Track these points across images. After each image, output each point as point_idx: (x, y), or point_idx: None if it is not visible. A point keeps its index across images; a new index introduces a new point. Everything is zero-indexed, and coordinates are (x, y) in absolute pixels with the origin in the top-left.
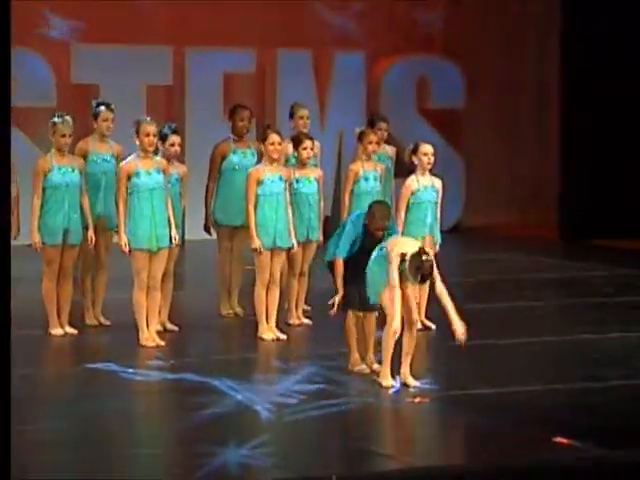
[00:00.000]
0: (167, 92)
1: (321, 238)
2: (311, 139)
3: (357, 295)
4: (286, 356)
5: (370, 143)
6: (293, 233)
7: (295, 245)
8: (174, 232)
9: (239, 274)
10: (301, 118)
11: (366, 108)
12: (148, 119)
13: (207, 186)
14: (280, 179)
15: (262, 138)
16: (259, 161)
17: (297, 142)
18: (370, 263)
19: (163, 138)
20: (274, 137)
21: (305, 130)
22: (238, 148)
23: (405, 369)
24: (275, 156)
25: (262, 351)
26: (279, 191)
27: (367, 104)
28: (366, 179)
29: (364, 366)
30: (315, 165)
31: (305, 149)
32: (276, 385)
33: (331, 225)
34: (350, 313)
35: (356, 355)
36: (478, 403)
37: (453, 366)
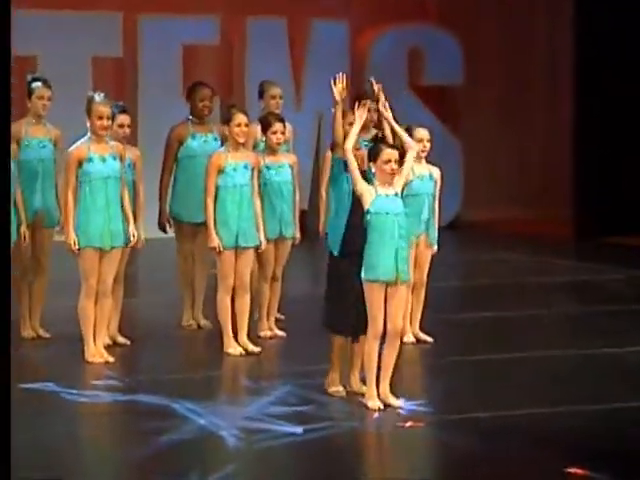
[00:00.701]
0: (116, 65)
1: (297, 235)
2: (282, 121)
3: (348, 317)
4: (256, 374)
5: (421, 142)
6: (262, 229)
7: (263, 243)
8: (132, 228)
9: (203, 279)
10: (273, 97)
11: (350, 82)
12: (102, 96)
13: (162, 176)
14: (245, 167)
15: (226, 119)
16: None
17: (266, 125)
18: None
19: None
20: (239, 117)
21: (277, 111)
22: (198, 132)
23: (385, 387)
24: (241, 140)
25: (228, 368)
26: (243, 182)
27: (351, 81)
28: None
29: (341, 388)
30: (287, 151)
31: (275, 133)
32: (245, 407)
33: (309, 221)
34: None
35: (336, 375)
36: (478, 428)
37: (450, 385)
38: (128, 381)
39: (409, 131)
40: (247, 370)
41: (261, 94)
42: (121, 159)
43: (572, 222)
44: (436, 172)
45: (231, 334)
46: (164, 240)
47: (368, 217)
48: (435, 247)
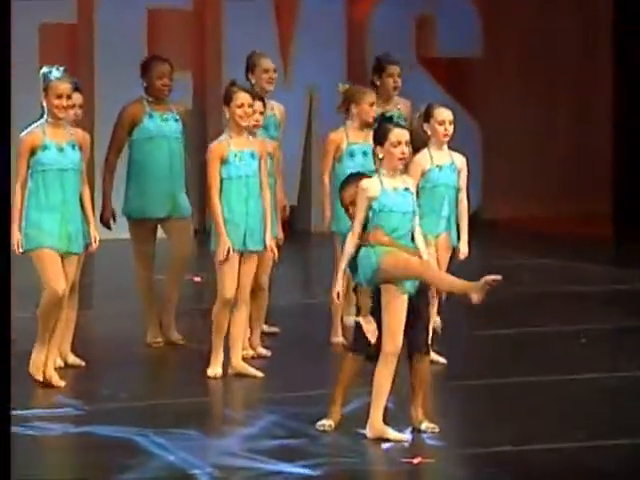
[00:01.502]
0: (69, 33)
1: (281, 235)
2: (262, 99)
3: (366, 337)
4: (237, 400)
5: (371, 105)
6: (269, 229)
7: (269, 246)
8: (93, 230)
9: (176, 286)
10: (265, 72)
11: (346, 57)
12: (61, 71)
13: (106, 160)
14: (252, 156)
15: (226, 99)
16: (185, 129)
17: (228, 97)
18: None
19: None
20: (242, 96)
21: (270, 87)
22: (155, 110)
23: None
24: (244, 123)
25: (204, 394)
26: (250, 172)
27: (347, 52)
28: (351, 155)
29: (331, 422)
30: (275, 137)
31: (241, 107)
32: (222, 441)
33: (298, 217)
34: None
35: (338, 408)
36: (501, 464)
37: (467, 413)
38: (83, 409)
39: (429, 110)
40: (226, 396)
41: (251, 68)
42: (81, 148)
43: (611, 220)
44: (459, 160)
45: (221, 354)
46: (124, 242)
47: (370, 214)
48: (464, 249)
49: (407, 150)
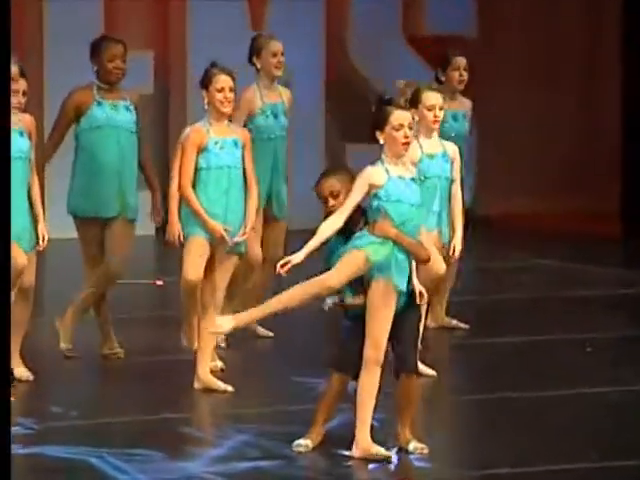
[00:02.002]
0: (15, 9)
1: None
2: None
3: (354, 355)
4: (202, 417)
5: (432, 110)
6: (249, 226)
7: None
8: (42, 227)
9: (104, 298)
10: (274, 55)
11: (325, 36)
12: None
13: (46, 149)
14: (235, 144)
15: (204, 82)
16: (138, 118)
17: (207, 79)
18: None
19: None
20: (222, 79)
21: (279, 73)
22: (105, 98)
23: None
24: (225, 109)
25: (165, 410)
26: (231, 163)
27: (327, 30)
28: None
29: (309, 442)
30: (284, 125)
31: (221, 91)
32: (186, 462)
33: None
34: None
35: (319, 428)
36: None
37: (459, 431)
38: (32, 428)
39: (416, 95)
40: (191, 413)
41: (257, 51)
42: (30, 136)
43: (618, 218)
44: (451, 149)
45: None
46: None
47: (375, 203)
48: (458, 246)
49: (410, 133)
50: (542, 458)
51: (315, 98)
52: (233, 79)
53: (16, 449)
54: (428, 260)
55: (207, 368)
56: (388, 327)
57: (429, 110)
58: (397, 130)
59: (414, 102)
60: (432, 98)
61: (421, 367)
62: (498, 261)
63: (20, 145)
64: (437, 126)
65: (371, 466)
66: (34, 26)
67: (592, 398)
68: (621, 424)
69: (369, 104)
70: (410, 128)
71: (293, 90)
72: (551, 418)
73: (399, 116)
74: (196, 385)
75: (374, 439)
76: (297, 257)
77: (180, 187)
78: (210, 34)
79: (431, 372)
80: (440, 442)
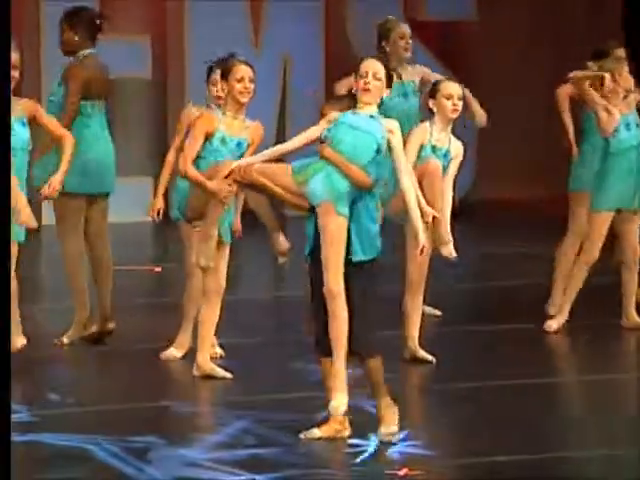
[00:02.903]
0: None
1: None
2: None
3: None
4: (201, 404)
5: (450, 99)
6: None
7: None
8: (25, 215)
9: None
10: (401, 38)
11: (324, 18)
12: None
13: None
14: (238, 145)
15: (224, 72)
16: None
17: (227, 70)
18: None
19: None
20: (243, 69)
21: (408, 54)
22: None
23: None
24: (244, 99)
25: (164, 396)
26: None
27: (326, 13)
28: None
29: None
30: (416, 105)
31: (241, 81)
32: (184, 450)
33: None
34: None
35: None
36: (494, 476)
37: (458, 419)
38: (29, 416)
39: (436, 86)
40: (189, 400)
41: (385, 35)
42: (31, 124)
43: None
44: (455, 147)
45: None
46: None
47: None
48: (443, 240)
49: (459, 103)
50: (540, 446)
51: (314, 83)
52: (253, 70)
53: (14, 437)
54: (368, 184)
55: (207, 355)
56: (342, 247)
57: (447, 99)
58: (447, 99)
59: (433, 92)
60: (451, 87)
61: (421, 352)
62: (500, 248)
63: (21, 135)
64: (455, 115)
65: (369, 454)
66: (31, 10)
67: (592, 386)
68: (621, 411)
69: None
70: (460, 99)
71: (291, 73)
72: (551, 406)
73: (449, 87)
74: (195, 372)
75: (371, 426)
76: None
77: (181, 162)
78: (208, 18)
79: (429, 357)
80: (438, 430)
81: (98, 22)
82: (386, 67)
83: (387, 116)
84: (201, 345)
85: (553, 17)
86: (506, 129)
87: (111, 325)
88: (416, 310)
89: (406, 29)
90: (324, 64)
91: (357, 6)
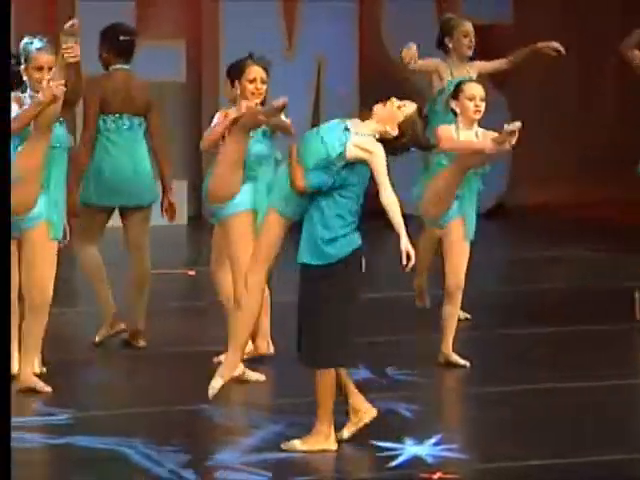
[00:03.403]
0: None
1: None
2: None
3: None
4: (236, 407)
5: (472, 100)
6: None
7: None
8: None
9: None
10: (465, 36)
11: (359, 22)
12: (43, 41)
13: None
14: (264, 134)
15: (237, 72)
16: None
17: (239, 70)
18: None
19: None
20: (256, 70)
21: (470, 53)
22: None
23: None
24: (255, 100)
25: (199, 399)
26: (267, 152)
27: (361, 16)
28: None
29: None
30: None
31: (253, 81)
32: (218, 453)
33: None
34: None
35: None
36: None
37: (493, 423)
38: (64, 418)
39: (459, 87)
40: (223, 403)
41: (449, 32)
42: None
43: None
44: (487, 136)
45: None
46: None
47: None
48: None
49: (481, 104)
50: (577, 450)
51: (349, 85)
52: (266, 71)
53: (48, 440)
54: (299, 188)
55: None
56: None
57: (470, 100)
58: (470, 100)
59: (456, 94)
60: (473, 89)
61: (454, 357)
62: (533, 252)
63: (60, 134)
64: (478, 117)
65: (401, 460)
66: (66, 12)
67: (631, 390)
68: None
69: (402, 93)
70: (482, 100)
71: (325, 75)
72: (588, 410)
73: (472, 88)
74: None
75: (405, 430)
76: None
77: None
78: (242, 21)
79: (462, 362)
80: (473, 434)
81: (126, 38)
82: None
83: (447, 110)
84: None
85: (588, 18)
86: (541, 133)
87: (140, 327)
88: (453, 316)
89: (469, 27)
90: (358, 65)
91: (391, 7)
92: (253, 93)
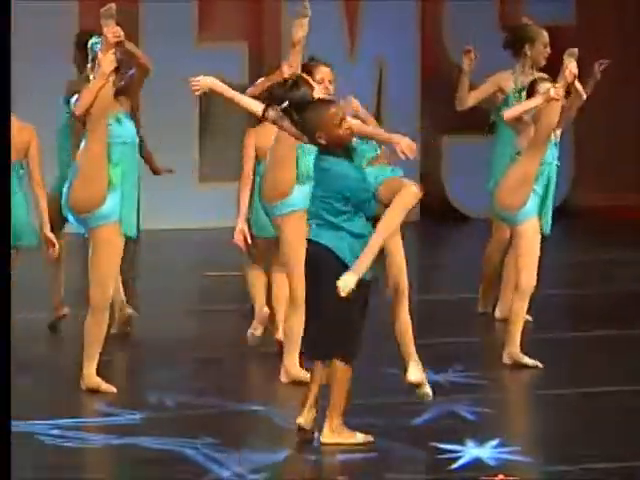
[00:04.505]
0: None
1: None
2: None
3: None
4: (294, 410)
5: None
6: None
7: None
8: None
9: None
10: (545, 46)
11: (420, 26)
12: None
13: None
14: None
15: (304, 74)
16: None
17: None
18: None
19: None
20: (323, 71)
21: (543, 63)
22: None
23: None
24: None
25: (260, 403)
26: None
27: (422, 19)
28: None
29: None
30: None
31: (322, 83)
32: (280, 454)
33: None
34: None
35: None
36: None
37: (557, 425)
38: (127, 418)
39: (532, 85)
40: (286, 405)
41: (530, 40)
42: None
43: None
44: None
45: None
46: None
47: None
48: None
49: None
50: (638, 454)
51: (410, 88)
52: (332, 70)
53: (110, 440)
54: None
55: (295, 360)
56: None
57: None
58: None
59: (530, 92)
60: (546, 87)
61: (523, 357)
62: (595, 254)
63: (129, 129)
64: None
65: (463, 462)
66: (131, 13)
67: None
68: None
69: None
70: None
71: (387, 78)
72: None
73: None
74: (283, 379)
75: (466, 432)
76: None
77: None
78: None
79: (532, 362)
80: (537, 436)
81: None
82: None
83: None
84: (288, 350)
85: None
86: (604, 134)
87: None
88: (522, 315)
89: (547, 38)
90: (420, 72)
91: (453, 10)
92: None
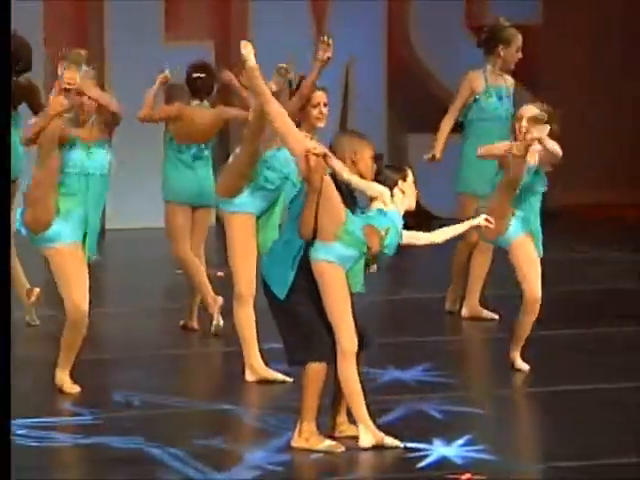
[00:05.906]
0: (74, 9)
1: None
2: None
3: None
4: (266, 407)
5: None
6: None
7: None
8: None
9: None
10: (517, 50)
11: (387, 25)
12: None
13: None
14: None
15: (305, 97)
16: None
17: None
18: None
19: None
20: (319, 95)
21: (513, 67)
22: None
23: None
24: (320, 124)
25: (226, 401)
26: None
27: (389, 18)
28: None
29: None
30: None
31: (317, 106)
32: (247, 454)
33: None
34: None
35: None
36: None
37: (526, 425)
38: (94, 418)
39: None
40: (251, 403)
41: (504, 41)
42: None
43: None
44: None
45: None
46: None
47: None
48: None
49: (526, 124)
50: (607, 452)
51: (377, 87)
52: (326, 93)
53: (77, 439)
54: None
55: (257, 358)
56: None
57: (518, 120)
58: (518, 120)
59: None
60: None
61: (520, 362)
62: (567, 253)
63: (98, 161)
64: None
65: (430, 460)
66: (95, 17)
67: None
68: None
69: (431, 94)
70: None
71: (354, 79)
72: (618, 411)
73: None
74: (249, 378)
75: (433, 431)
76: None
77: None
78: (271, 23)
79: (526, 367)
80: (505, 435)
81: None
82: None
83: (481, 117)
84: (249, 349)
85: (617, 16)
86: (576, 134)
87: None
88: (529, 327)
89: (521, 42)
90: (386, 71)
91: (420, 9)
92: (318, 118)
